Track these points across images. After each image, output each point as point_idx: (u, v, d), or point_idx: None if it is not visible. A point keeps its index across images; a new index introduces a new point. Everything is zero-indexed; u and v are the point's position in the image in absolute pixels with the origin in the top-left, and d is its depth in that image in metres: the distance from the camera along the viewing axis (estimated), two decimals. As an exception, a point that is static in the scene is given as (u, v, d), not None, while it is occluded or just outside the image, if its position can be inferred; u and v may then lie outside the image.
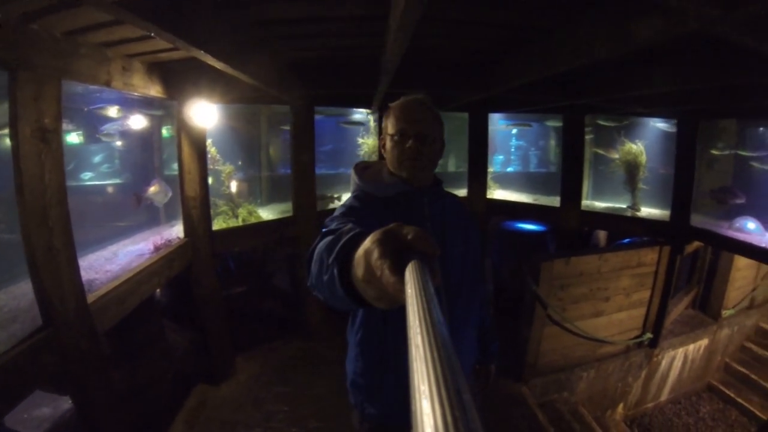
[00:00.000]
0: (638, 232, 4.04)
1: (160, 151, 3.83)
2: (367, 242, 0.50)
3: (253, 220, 3.70)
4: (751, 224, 3.27)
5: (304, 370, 3.47)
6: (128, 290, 2.23)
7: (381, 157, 1.28)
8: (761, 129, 3.97)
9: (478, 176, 4.69)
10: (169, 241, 2.91)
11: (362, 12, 1.76)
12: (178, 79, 2.58)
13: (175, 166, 3.06)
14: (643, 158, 3.96)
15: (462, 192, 4.65)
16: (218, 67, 1.77)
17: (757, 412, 4.53)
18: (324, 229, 0.88)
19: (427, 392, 0.23)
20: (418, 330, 0.30)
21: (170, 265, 2.70)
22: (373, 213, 1.12)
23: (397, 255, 0.46)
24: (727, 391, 4.86)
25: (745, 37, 1.44)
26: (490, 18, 1.84)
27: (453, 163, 5.60)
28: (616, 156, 4.15)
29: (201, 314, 3.12)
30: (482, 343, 1.47)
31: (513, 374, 3.35)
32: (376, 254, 0.47)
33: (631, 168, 4.05)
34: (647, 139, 4.04)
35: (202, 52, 1.50)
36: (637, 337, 3.96)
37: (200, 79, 2.60)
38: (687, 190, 3.63)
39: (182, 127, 2.79)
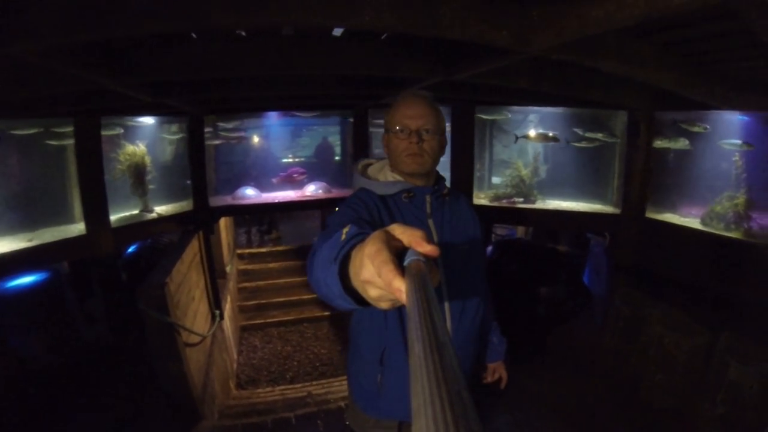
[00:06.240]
0: (170, 228, 4.18)
1: None
2: (367, 243, 0.49)
3: None
4: (250, 191, 4.52)
5: None
6: None
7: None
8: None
9: (94, 201, 3.18)
10: None
11: None
12: None
13: None
14: (148, 159, 3.96)
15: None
16: None
17: (282, 318, 6.62)
18: (325, 228, 0.88)
19: (426, 391, 0.23)
20: (418, 330, 0.30)
21: None
22: (374, 211, 1.11)
23: (396, 255, 0.46)
24: (256, 321, 6.59)
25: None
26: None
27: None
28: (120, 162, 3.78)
29: None
30: (488, 340, 1.46)
31: (188, 417, 2.79)
32: (375, 255, 0.46)
33: (138, 171, 3.92)
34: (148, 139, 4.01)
35: None
36: (214, 318, 4.41)
37: None
38: (203, 180, 4.25)
39: None
